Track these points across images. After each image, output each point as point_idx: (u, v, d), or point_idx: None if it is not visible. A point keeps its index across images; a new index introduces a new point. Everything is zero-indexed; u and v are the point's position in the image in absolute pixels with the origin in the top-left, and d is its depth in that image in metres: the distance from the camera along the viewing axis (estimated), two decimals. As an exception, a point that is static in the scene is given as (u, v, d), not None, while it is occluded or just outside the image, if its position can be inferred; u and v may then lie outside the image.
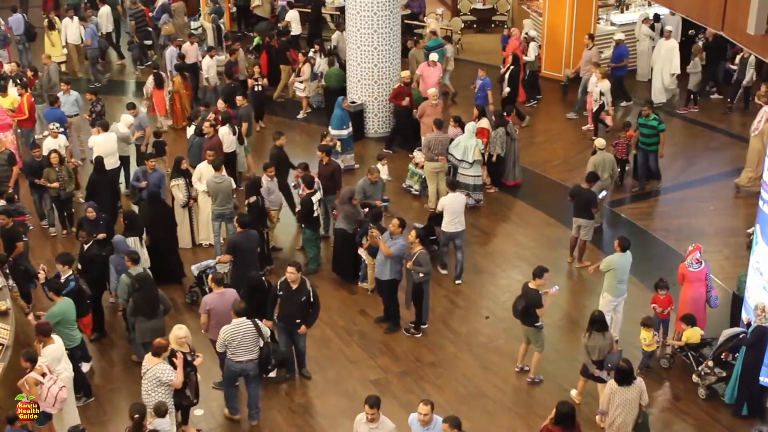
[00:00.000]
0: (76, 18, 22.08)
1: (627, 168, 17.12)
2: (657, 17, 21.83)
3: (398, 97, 18.28)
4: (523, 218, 16.43)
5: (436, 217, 14.50)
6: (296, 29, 22.82)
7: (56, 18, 22.14)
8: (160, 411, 10.14)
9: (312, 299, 11.89)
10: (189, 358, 10.81)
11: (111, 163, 15.90)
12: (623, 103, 20.44)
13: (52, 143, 15.91)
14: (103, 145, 15.87)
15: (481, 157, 16.19)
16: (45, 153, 15.60)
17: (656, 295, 12.71)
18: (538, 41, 21.12)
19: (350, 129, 17.58)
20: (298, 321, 11.84)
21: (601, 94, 18.53)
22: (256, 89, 19.02)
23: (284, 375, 12.34)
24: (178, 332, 10.81)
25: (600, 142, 15.66)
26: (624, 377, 10.48)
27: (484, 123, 16.86)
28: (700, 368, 12.00)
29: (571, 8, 21.25)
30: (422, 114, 17.43)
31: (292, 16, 22.82)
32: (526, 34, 21.02)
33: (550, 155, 18.63)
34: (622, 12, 23.29)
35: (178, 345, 10.77)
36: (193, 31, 22.23)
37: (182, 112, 19.23)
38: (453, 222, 14.06)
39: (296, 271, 11.72)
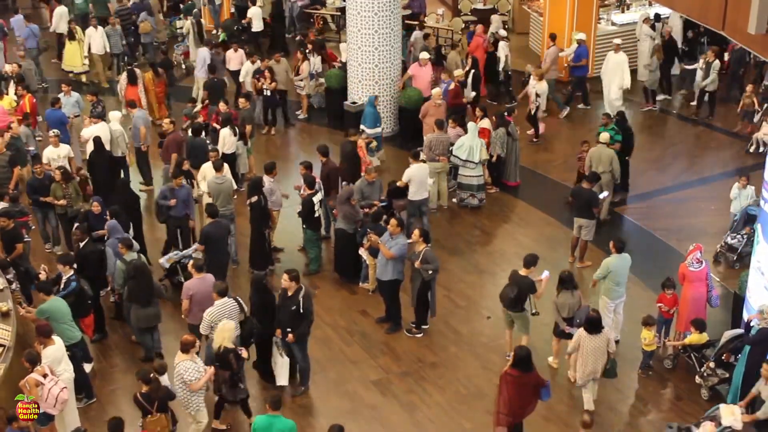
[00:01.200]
0: (100, 27, 21.62)
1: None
2: (658, 17, 21.82)
3: (457, 97, 18.26)
4: (523, 218, 16.43)
5: (395, 191, 15.12)
6: (258, 26, 23.06)
7: (77, 28, 21.55)
8: (162, 368, 10.71)
9: (301, 310, 11.59)
10: (238, 352, 10.97)
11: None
12: (580, 106, 20.44)
13: (52, 152, 15.52)
14: (97, 133, 15.94)
15: (488, 156, 16.22)
16: (45, 161, 15.27)
17: (663, 294, 12.70)
18: (508, 40, 21.11)
19: (382, 127, 17.79)
20: (288, 330, 11.70)
21: (537, 95, 18.50)
22: (265, 93, 18.99)
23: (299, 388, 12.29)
24: (229, 326, 10.92)
25: (604, 136, 15.72)
26: (593, 326, 11.13)
27: (486, 123, 16.86)
28: (702, 369, 12.00)
29: (572, 8, 21.23)
30: (425, 114, 17.41)
31: (254, 13, 23.01)
32: (495, 33, 21.20)
33: (550, 155, 18.63)
34: (622, 12, 23.27)
35: (228, 341, 10.84)
36: (178, 30, 22.50)
37: (151, 107, 19.34)
38: (419, 191, 14.93)
39: (289, 279, 11.59)
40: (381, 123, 17.89)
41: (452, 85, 18.42)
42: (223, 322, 11.00)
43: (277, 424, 9.84)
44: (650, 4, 22.90)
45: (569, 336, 11.83)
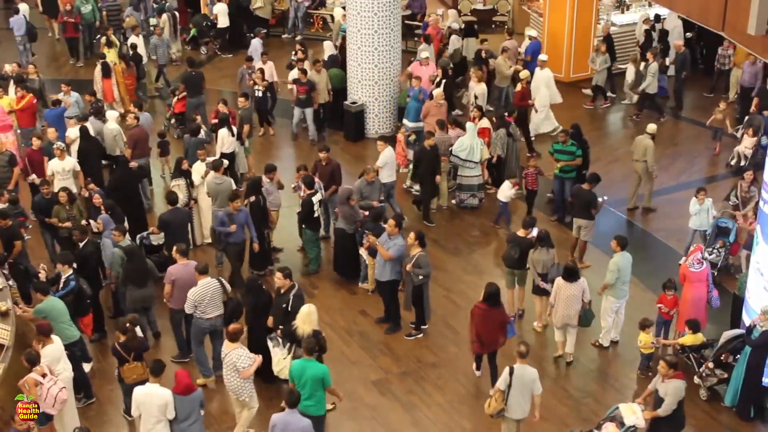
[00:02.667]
0: (141, 36, 21.35)
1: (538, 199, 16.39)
2: (657, 17, 21.83)
3: (523, 98, 18.16)
4: (523, 218, 16.38)
5: None
6: (224, 22, 23.16)
7: (113, 36, 20.84)
8: (135, 321, 11.31)
9: (290, 308, 11.61)
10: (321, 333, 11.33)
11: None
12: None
13: (57, 165, 15.03)
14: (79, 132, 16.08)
15: (489, 155, 16.23)
16: (49, 173, 14.94)
17: (663, 295, 12.70)
18: (460, 34, 21.32)
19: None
20: (280, 327, 11.71)
21: (476, 97, 18.41)
22: (257, 94, 19.00)
23: None
24: (310, 309, 11.27)
25: (651, 127, 16.15)
26: (569, 274, 12.26)
27: (485, 123, 16.86)
28: (701, 369, 12.00)
29: (572, 9, 21.24)
30: (426, 114, 17.40)
31: (220, 9, 23.12)
32: (449, 27, 21.43)
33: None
34: (622, 12, 23.29)
35: (310, 324, 11.18)
36: (152, 27, 22.73)
37: (122, 99, 19.63)
38: (389, 175, 15.68)
39: (282, 276, 11.73)
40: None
41: (519, 87, 18.26)
42: (303, 308, 11.32)
43: (311, 368, 10.47)
44: (650, 5, 22.91)
45: (545, 292, 12.82)
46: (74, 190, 14.76)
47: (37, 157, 15.55)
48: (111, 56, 20.24)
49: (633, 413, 10.52)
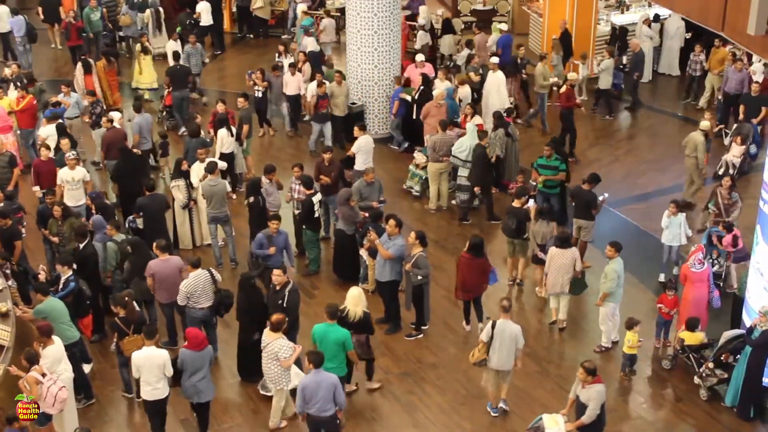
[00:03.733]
0: (178, 41, 20.96)
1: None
2: (657, 17, 21.83)
3: (569, 99, 18.09)
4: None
5: (347, 161, 16.09)
6: (207, 20, 23.18)
7: (147, 43, 20.74)
8: (133, 295, 11.71)
9: (285, 304, 11.65)
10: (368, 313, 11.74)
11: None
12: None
13: (67, 174, 14.77)
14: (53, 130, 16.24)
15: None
16: (59, 182, 14.76)
17: (664, 295, 12.70)
18: (428, 29, 21.51)
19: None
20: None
21: (459, 100, 18.23)
22: (256, 95, 19.00)
23: None
24: (359, 291, 11.69)
25: (704, 124, 16.15)
26: (562, 241, 12.95)
27: (478, 119, 16.90)
28: (701, 370, 12.00)
29: (572, 9, 21.24)
30: (427, 114, 17.38)
31: (203, 8, 23.16)
32: (422, 24, 21.66)
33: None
34: (622, 12, 23.29)
35: (361, 305, 11.54)
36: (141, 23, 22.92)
37: (104, 94, 19.64)
38: (366, 161, 15.96)
39: (282, 273, 11.81)
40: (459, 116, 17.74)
41: (564, 88, 18.21)
42: (352, 290, 11.69)
43: (333, 332, 11.06)
44: (650, 5, 22.91)
45: (541, 261, 13.54)
46: (82, 201, 14.70)
47: (46, 167, 15.19)
48: (146, 63, 20.07)
49: (556, 424, 10.47)
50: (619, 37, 21.34)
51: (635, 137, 19.43)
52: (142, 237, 13.73)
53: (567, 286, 13.05)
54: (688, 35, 21.56)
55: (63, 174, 14.82)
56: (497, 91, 18.37)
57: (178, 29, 22.53)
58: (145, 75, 20.61)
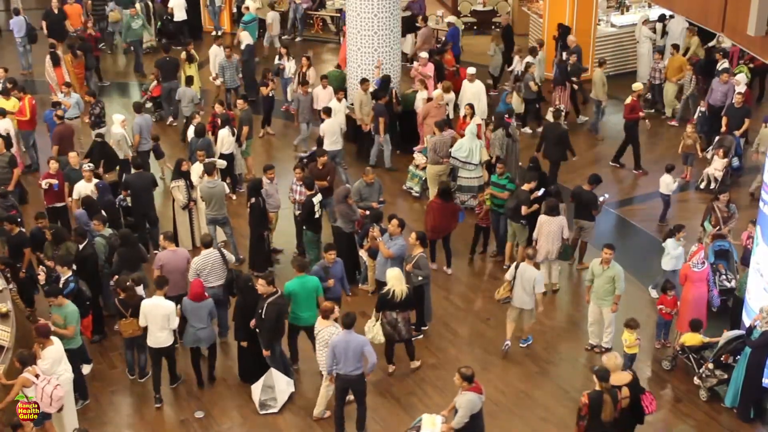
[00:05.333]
0: (221, 46, 20.58)
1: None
2: (663, 17, 21.81)
3: (633, 111, 17.67)
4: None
5: (319, 143, 16.67)
6: (180, 15, 23.43)
7: (193, 51, 20.10)
8: (140, 279, 12.16)
9: (264, 315, 11.62)
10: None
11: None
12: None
13: (85, 187, 14.51)
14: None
15: (488, 157, 16.23)
16: (75, 196, 14.49)
17: (664, 295, 12.70)
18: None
19: (513, 124, 17.52)
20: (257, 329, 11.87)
21: (446, 104, 17.98)
22: (269, 95, 18.97)
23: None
24: (394, 273, 12.03)
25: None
26: (550, 209, 13.53)
27: (478, 120, 16.92)
28: (701, 370, 12.00)
29: (572, 10, 21.26)
30: (426, 115, 17.38)
31: (176, 3, 23.32)
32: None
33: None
34: (622, 13, 23.29)
35: (400, 282, 11.99)
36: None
37: (73, 87, 19.60)
38: (333, 143, 16.70)
39: (266, 284, 11.68)
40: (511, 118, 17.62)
41: (629, 99, 17.76)
42: (390, 270, 12.09)
43: (307, 282, 11.95)
44: (650, 6, 22.91)
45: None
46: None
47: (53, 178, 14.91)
48: (192, 71, 19.52)
49: (433, 425, 10.39)
50: (561, 33, 21.28)
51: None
52: (131, 214, 14.61)
53: (555, 254, 13.72)
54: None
55: (80, 187, 14.54)
56: (478, 100, 18.12)
57: (158, 24, 22.81)
58: (195, 83, 19.42)
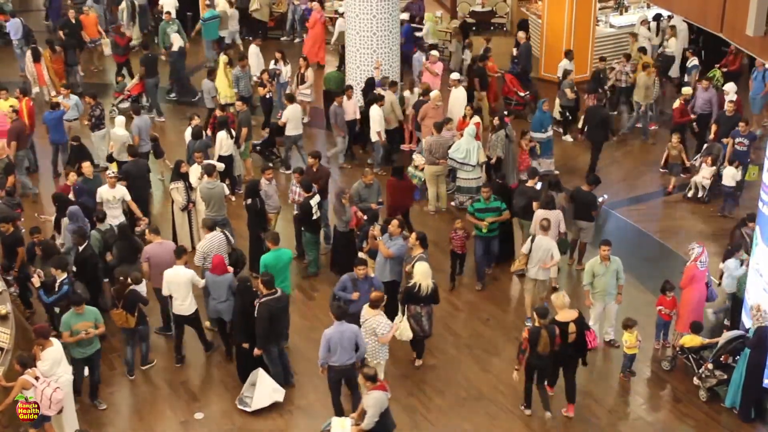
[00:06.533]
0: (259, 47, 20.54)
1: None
2: (658, 17, 21.82)
3: (683, 115, 17.43)
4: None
5: (277, 130, 17.41)
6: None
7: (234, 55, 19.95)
8: (137, 279, 12.20)
9: (255, 314, 11.64)
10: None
11: None
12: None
13: (108, 193, 14.24)
14: None
15: (486, 158, 16.22)
16: (98, 200, 14.16)
17: (663, 296, 12.69)
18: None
19: (550, 132, 17.38)
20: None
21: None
22: (267, 96, 18.96)
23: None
24: (422, 267, 12.18)
25: None
26: (547, 203, 13.79)
27: (477, 119, 16.91)
28: (700, 371, 12.00)
29: (570, 10, 21.25)
30: (424, 116, 17.36)
31: (167, 0, 23.33)
32: (336, 11, 22.54)
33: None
34: (621, 14, 23.31)
35: (426, 277, 12.14)
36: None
37: (52, 82, 20.22)
38: (295, 128, 17.25)
39: (265, 287, 11.69)
40: (549, 128, 17.33)
41: (677, 103, 17.62)
42: (418, 264, 12.22)
43: (283, 254, 12.65)
44: (648, 6, 22.92)
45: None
46: (121, 219, 14.23)
47: (68, 191, 14.53)
48: (222, 80, 19.09)
49: (341, 428, 10.39)
50: (516, 32, 21.56)
51: (634, 138, 19.39)
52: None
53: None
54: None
55: (103, 192, 14.28)
56: (461, 106, 17.96)
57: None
58: (228, 87, 18.94)
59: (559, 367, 11.57)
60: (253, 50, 20.39)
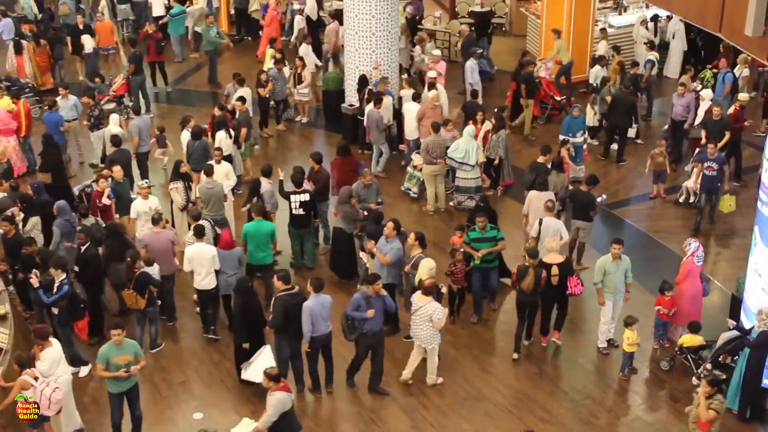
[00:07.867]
0: (309, 46, 20.57)
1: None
2: (656, 17, 21.85)
3: (737, 121, 16.97)
4: (519, 219, 16.30)
5: (245, 120, 17.15)
6: (159, 11, 23.62)
7: (278, 54, 19.68)
8: (149, 261, 12.57)
9: (271, 308, 11.84)
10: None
11: None
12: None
13: (143, 205, 14.03)
14: None
15: (485, 159, 16.22)
16: (134, 215, 14.03)
17: (661, 296, 12.72)
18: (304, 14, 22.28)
19: (580, 138, 16.89)
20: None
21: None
22: (265, 96, 18.96)
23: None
24: (430, 264, 12.42)
25: None
26: (540, 185, 14.32)
27: (488, 125, 16.86)
28: (699, 371, 12.00)
29: (569, 10, 21.26)
30: (422, 116, 17.37)
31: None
32: (288, 6, 22.98)
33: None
34: (620, 14, 23.33)
35: (429, 274, 12.23)
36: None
37: (34, 75, 20.64)
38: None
39: (282, 282, 11.72)
40: (578, 134, 16.94)
41: (732, 109, 17.26)
42: (426, 262, 12.45)
43: (263, 226, 13.33)
44: (647, 6, 22.94)
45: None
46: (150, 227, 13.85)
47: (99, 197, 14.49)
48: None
49: (246, 427, 10.42)
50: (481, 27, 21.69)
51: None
52: None
53: None
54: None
55: (138, 205, 14.07)
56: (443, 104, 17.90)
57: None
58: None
59: (550, 311, 12.72)
60: (304, 50, 20.30)
